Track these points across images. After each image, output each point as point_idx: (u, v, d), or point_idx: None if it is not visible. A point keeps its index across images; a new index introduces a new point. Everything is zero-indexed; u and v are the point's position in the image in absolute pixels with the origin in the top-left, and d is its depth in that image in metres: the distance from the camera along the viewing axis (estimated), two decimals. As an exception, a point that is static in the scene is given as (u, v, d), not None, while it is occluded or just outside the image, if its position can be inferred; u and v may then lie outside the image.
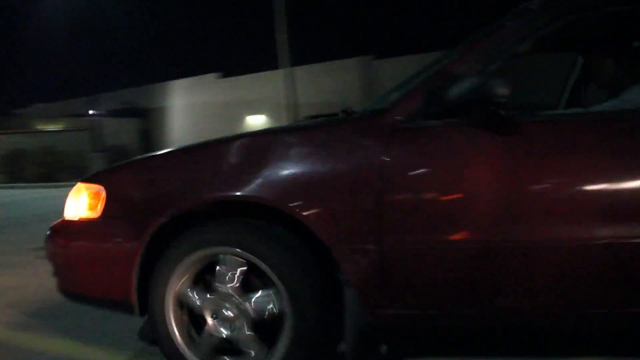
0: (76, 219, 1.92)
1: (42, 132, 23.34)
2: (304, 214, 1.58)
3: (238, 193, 1.65)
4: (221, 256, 1.69)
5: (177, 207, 1.71)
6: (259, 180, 1.64)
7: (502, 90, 1.41)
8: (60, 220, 2.01)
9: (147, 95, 26.00)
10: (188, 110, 24.96)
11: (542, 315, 1.57)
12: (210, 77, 24.93)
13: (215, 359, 1.75)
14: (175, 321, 1.77)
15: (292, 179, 1.63)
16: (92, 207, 1.87)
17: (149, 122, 25.94)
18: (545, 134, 1.53)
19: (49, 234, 2.01)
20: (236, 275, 1.69)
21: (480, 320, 1.64)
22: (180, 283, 1.74)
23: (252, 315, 1.67)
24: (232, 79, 24.40)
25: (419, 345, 2.07)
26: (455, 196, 1.53)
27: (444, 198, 1.54)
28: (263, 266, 1.63)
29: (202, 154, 1.85)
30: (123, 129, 24.06)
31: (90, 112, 23.47)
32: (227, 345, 1.73)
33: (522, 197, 1.49)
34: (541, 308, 1.55)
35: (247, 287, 1.69)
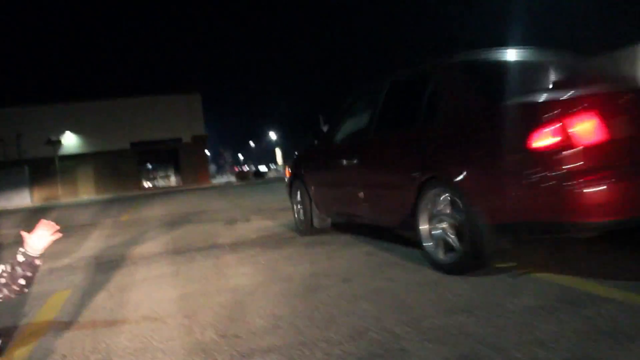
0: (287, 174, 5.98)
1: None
2: (303, 176, 5.19)
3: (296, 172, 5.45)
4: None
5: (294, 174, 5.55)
6: (298, 167, 5.39)
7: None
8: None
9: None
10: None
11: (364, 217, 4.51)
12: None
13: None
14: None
15: (302, 166, 5.29)
16: (287, 172, 5.91)
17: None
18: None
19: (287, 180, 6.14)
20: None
21: (350, 217, 4.69)
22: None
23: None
24: None
25: (338, 225, 5.30)
26: (328, 173, 4.76)
27: (321, 174, 4.84)
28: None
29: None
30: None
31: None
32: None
33: (338, 174, 4.54)
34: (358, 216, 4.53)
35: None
